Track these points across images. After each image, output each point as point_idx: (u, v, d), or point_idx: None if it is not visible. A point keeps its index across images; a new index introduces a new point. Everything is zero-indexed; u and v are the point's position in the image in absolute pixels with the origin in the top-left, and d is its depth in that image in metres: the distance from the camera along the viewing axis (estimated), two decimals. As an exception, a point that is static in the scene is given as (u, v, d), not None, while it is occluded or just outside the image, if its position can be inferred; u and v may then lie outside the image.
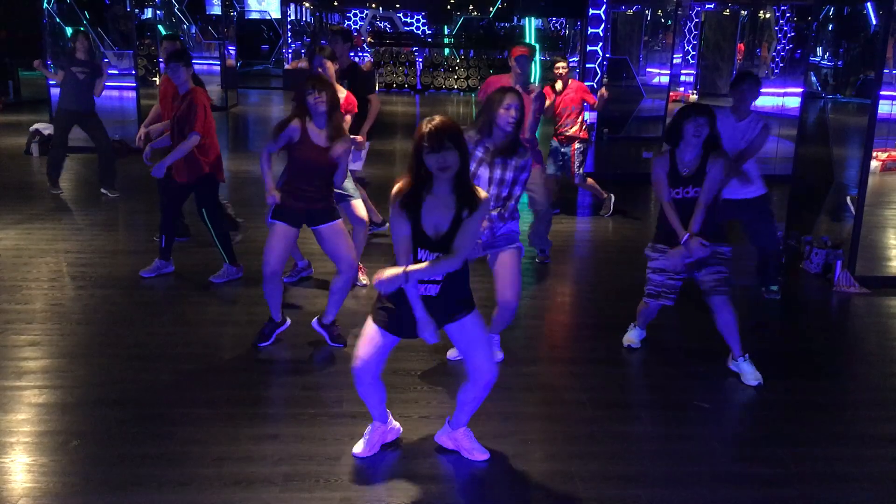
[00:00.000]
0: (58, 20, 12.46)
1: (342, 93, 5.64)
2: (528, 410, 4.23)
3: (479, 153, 4.25)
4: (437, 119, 3.16)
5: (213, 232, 5.97)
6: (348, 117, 5.65)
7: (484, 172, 4.24)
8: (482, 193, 3.24)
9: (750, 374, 4.59)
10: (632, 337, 5.11)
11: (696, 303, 6.00)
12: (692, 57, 20.98)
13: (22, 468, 3.53)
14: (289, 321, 4.98)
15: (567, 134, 8.03)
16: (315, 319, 4.96)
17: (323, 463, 3.62)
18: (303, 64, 6.91)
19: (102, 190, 8.75)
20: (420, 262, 3.23)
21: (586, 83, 8.32)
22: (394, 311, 3.36)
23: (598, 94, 8.62)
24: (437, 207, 3.21)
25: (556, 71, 8.02)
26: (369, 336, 3.44)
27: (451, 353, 4.75)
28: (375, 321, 3.41)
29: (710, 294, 4.63)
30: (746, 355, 4.63)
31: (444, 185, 3.19)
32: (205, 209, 5.92)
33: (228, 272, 6.05)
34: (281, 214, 4.63)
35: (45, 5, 11.97)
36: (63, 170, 8.96)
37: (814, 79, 9.04)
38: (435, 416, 4.05)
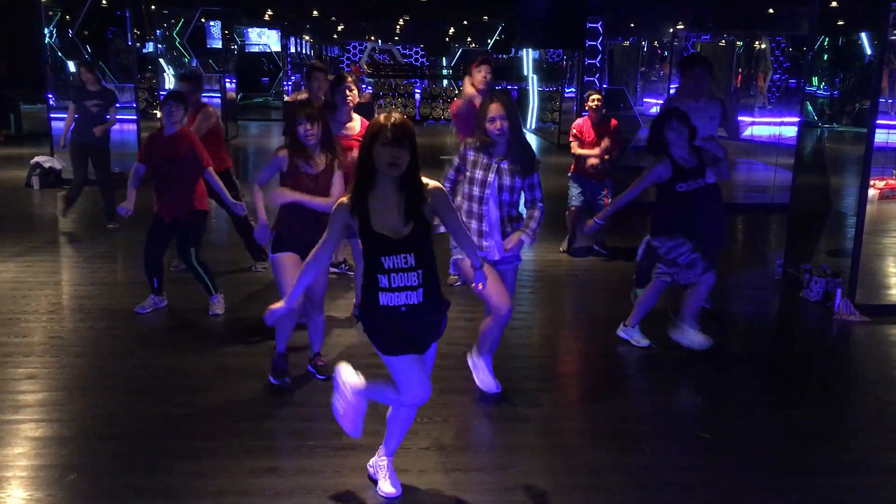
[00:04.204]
0: (59, 54, 12.57)
1: (356, 121, 5.60)
2: (527, 441, 4.19)
3: (483, 159, 4.21)
4: (396, 114, 3.07)
5: (205, 269, 5.96)
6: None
7: (491, 178, 4.20)
8: (431, 183, 3.15)
9: (639, 338, 5.44)
10: (699, 340, 5.22)
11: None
12: (689, 87, 21.11)
13: (18, 503, 3.50)
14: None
15: (593, 170, 7.77)
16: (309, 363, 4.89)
17: (322, 496, 3.59)
18: (303, 96, 6.95)
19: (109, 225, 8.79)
20: (386, 270, 3.07)
21: (583, 114, 8.28)
22: (393, 330, 3.20)
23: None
24: (386, 211, 3.09)
25: (591, 104, 7.76)
26: (412, 374, 3.26)
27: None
28: (398, 353, 3.23)
29: (662, 276, 5.27)
30: (637, 326, 5.45)
31: (388, 184, 3.08)
32: (196, 251, 5.92)
33: (219, 303, 6.04)
34: (282, 245, 4.54)
35: (47, 39, 12.08)
36: (74, 202, 8.89)
37: (810, 108, 9.09)
38: (434, 447, 4.02)
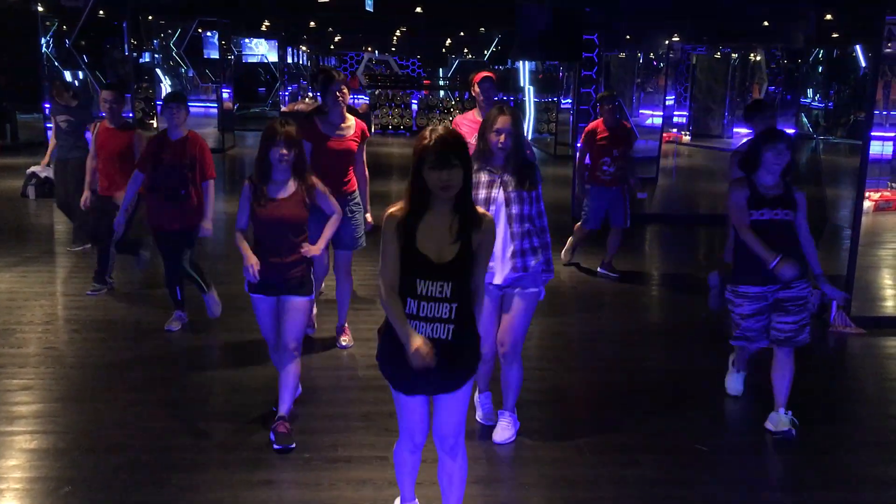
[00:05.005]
0: (56, 64, 12.57)
1: (351, 121, 5.37)
2: (524, 454, 4.18)
3: (484, 177, 3.98)
4: (441, 130, 2.83)
5: (198, 271, 5.77)
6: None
7: (495, 193, 3.97)
8: (487, 214, 2.96)
9: (784, 424, 4.42)
10: (734, 384, 4.90)
11: (692, 345, 6.00)
12: (684, 98, 21.23)
13: (12, 516, 3.48)
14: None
15: (610, 179, 7.45)
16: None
17: (318, 509, 3.58)
18: (300, 107, 6.95)
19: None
20: (418, 296, 2.83)
21: (580, 125, 8.20)
22: (406, 364, 2.89)
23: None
24: (436, 230, 2.85)
25: (606, 106, 7.51)
26: (408, 414, 3.06)
27: (479, 415, 4.48)
28: (402, 391, 3.01)
29: (781, 343, 4.42)
30: (790, 412, 4.46)
31: (443, 204, 2.85)
32: (191, 253, 5.71)
33: (214, 302, 5.88)
34: (258, 286, 4.14)
35: (44, 49, 12.09)
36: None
37: (805, 120, 9.12)
38: (431, 460, 4.00)
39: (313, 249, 4.20)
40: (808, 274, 4.44)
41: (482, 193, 3.97)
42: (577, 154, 7.72)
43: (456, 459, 3.12)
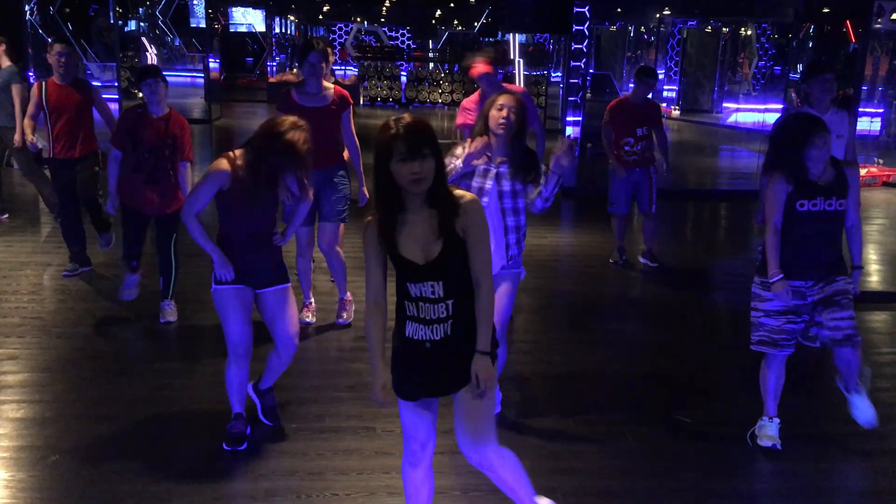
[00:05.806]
0: (41, 32, 12.40)
1: (330, 90, 5.18)
2: (510, 426, 4.21)
3: (480, 166, 3.86)
4: (407, 118, 2.56)
5: (177, 265, 5.50)
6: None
7: (489, 185, 3.86)
8: (466, 195, 2.69)
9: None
10: (770, 434, 4.00)
11: (679, 321, 6.04)
12: (674, 73, 21.19)
13: (-1, 484, 3.49)
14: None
15: (634, 159, 6.94)
16: (250, 383, 4.10)
17: (305, 478, 3.60)
18: (289, 77, 6.86)
19: None
20: (413, 298, 2.68)
21: (570, 98, 8.07)
22: (409, 368, 2.81)
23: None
24: (418, 230, 2.64)
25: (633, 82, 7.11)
26: (406, 418, 2.87)
27: None
28: (402, 397, 2.84)
29: (841, 344, 3.88)
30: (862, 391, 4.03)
31: (417, 200, 2.63)
32: (175, 237, 5.44)
33: (172, 310, 5.55)
34: (231, 279, 3.77)
35: (28, 17, 11.91)
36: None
37: (794, 95, 9.12)
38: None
39: (280, 239, 3.97)
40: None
41: (475, 183, 3.87)
42: (603, 132, 7.17)
43: (488, 455, 2.91)
